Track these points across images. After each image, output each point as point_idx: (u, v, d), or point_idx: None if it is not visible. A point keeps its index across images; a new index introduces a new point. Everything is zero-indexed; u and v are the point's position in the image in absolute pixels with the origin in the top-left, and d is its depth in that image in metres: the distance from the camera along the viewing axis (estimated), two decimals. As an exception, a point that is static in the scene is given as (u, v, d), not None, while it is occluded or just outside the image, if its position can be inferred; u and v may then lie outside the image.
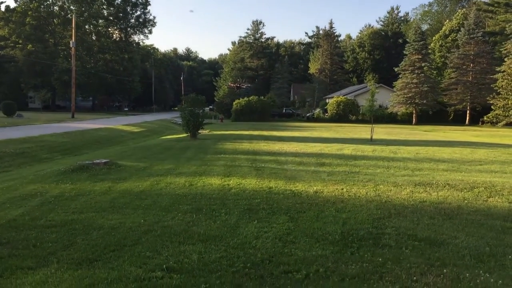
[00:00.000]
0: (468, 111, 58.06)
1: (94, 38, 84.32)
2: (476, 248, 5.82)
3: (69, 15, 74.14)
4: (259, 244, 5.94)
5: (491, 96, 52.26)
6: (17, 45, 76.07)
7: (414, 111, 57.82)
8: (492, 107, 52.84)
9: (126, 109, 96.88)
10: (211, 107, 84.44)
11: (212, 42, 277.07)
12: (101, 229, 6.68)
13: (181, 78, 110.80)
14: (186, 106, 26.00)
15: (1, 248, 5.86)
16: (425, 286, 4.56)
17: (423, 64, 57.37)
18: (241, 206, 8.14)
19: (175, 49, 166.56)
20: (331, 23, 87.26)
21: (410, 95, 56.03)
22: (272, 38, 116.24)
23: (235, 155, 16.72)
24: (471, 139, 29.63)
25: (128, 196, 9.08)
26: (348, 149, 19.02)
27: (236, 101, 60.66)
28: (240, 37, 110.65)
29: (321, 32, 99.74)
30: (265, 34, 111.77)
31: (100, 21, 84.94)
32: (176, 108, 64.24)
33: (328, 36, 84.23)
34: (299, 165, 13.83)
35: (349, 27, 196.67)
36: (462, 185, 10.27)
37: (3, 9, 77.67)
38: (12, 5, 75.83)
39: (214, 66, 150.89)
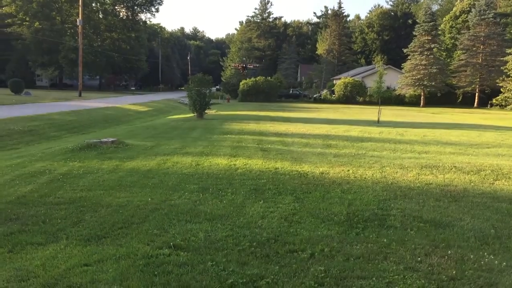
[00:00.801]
0: (477, 94, 57.51)
1: (101, 16, 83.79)
2: (481, 230, 5.85)
3: (75, -7, 73.63)
4: (265, 223, 6.00)
5: (501, 78, 51.59)
6: (24, 23, 75.83)
7: (422, 93, 57.39)
8: (501, 89, 52.21)
9: (133, 88, 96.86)
10: (218, 87, 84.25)
11: (219, 22, 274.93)
12: (109, 206, 6.76)
13: (188, 58, 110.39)
14: (193, 86, 25.98)
15: (11, 223, 5.96)
16: (429, 267, 4.60)
17: (432, 46, 56.69)
18: (248, 186, 8.19)
19: (182, 29, 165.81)
20: (339, 3, 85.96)
21: (418, 76, 55.52)
22: (280, 18, 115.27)
23: (242, 135, 16.75)
24: (479, 122, 29.45)
25: (136, 175, 9.16)
26: (355, 131, 18.99)
27: (243, 81, 60.42)
28: (248, 16, 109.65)
29: (329, 12, 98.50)
30: (272, 14, 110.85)
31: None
32: (183, 88, 64.12)
33: (336, 16, 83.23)
34: (306, 147, 13.85)
35: (358, 7, 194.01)
36: (468, 167, 10.26)
37: (10, -14, 77.41)
38: (19, -18, 74.96)
39: (221, 46, 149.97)
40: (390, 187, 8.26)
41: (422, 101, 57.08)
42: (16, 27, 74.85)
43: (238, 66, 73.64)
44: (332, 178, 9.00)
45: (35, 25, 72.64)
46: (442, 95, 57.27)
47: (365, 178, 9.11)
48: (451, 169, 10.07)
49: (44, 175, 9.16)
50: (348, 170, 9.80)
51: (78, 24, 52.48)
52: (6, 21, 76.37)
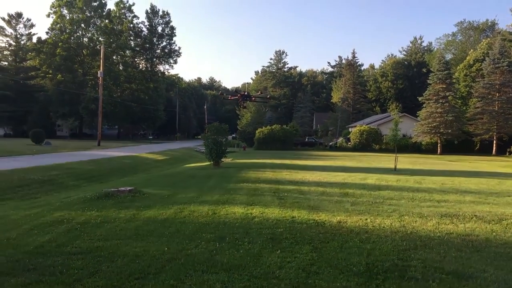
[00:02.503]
0: (494, 141, 56.90)
1: (121, 68, 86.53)
2: (506, 282, 5.67)
3: (97, 46, 76.40)
4: (283, 274, 5.91)
5: (518, 126, 51.21)
6: (47, 75, 78.69)
7: (438, 141, 57.04)
8: (519, 137, 51.72)
9: (151, 137, 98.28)
10: (234, 135, 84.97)
11: (235, 72, 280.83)
12: (125, 256, 6.74)
13: (205, 107, 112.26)
14: (209, 135, 26.28)
15: (29, 274, 5.97)
16: (453, 321, 4.45)
17: (447, 94, 56.80)
18: (264, 235, 8.12)
19: (199, 79, 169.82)
20: (353, 52, 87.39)
21: (434, 124, 55.37)
22: (295, 68, 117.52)
23: (258, 184, 16.73)
24: (498, 170, 28.99)
25: (152, 224, 9.17)
26: (371, 179, 18.84)
27: (259, 129, 60.94)
28: (263, 66, 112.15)
29: (343, 61, 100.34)
30: (287, 64, 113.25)
31: (127, 51, 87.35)
32: (200, 137, 64.86)
33: (350, 66, 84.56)
34: (322, 195, 13.76)
35: (372, 57, 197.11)
36: (490, 216, 10.05)
37: (35, 40, 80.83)
38: (44, 36, 78.36)
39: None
40: (410, 237, 8.11)
41: (439, 149, 56.65)
42: (39, 79, 77.64)
43: (237, 96, 51.60)
44: (350, 227, 8.88)
45: (57, 77, 75.30)
46: (459, 143, 56.82)
47: (384, 227, 8.97)
48: (471, 218, 9.87)
49: (62, 225, 9.21)
50: (366, 219, 9.68)
51: (99, 76, 54.20)
52: (30, 74, 79.37)
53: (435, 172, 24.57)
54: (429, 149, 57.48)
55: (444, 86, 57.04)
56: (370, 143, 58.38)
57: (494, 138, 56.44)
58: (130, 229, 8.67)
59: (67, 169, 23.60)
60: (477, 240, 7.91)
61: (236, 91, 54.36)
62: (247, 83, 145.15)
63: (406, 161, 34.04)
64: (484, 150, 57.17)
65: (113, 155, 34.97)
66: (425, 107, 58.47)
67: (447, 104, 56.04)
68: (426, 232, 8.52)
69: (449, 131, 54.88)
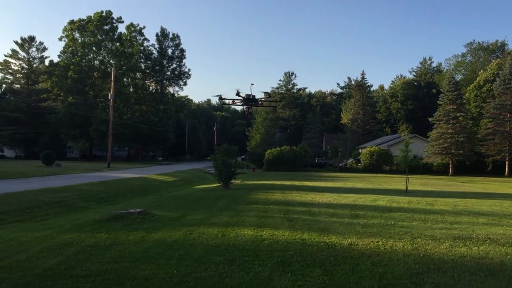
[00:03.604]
0: (506, 162, 56.34)
1: (131, 90, 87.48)
2: (523, 308, 5.52)
3: (108, 69, 77.42)
4: (293, 298, 5.80)
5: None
6: (58, 97, 79.71)
7: (450, 162, 56.62)
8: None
9: (160, 158, 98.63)
10: (243, 156, 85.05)
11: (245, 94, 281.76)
12: (134, 279, 6.68)
13: (214, 128, 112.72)
14: (219, 156, 26.30)
15: (37, 297, 5.92)
16: None
17: (458, 114, 56.61)
18: (275, 258, 8.02)
19: (209, 100, 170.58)
20: (363, 74, 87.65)
21: (445, 145, 55.06)
22: (304, 89, 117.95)
23: (268, 205, 16.63)
24: (511, 191, 28.63)
25: (162, 246, 9.10)
26: (382, 200, 18.66)
27: (268, 150, 60.97)
28: (273, 88, 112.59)
29: (352, 82, 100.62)
30: (297, 85, 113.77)
31: (138, 74, 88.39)
32: (209, 158, 65.00)
33: (360, 87, 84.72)
34: (333, 217, 13.63)
35: (381, 78, 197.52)
36: (504, 239, 9.87)
37: (47, 63, 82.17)
38: (56, 59, 79.66)
39: (246, 116, 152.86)
40: (422, 260, 7.96)
41: (450, 170, 56.19)
42: (50, 101, 78.62)
43: (240, 100, 42.69)
44: (361, 250, 8.75)
45: (68, 100, 76.16)
46: (471, 164, 56.36)
47: (396, 250, 8.83)
48: (485, 241, 9.70)
49: (72, 247, 9.19)
50: (378, 242, 9.54)
51: (109, 98, 54.85)
52: (41, 96, 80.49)
53: (447, 193, 24.32)
54: (441, 170, 57.05)
55: (455, 107, 56.88)
56: (381, 164, 58.09)
57: (507, 159, 55.87)
58: (139, 252, 8.62)
59: (77, 191, 23.68)
60: (491, 264, 7.75)
61: (238, 93, 38.71)
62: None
63: (417, 182, 33.75)
64: (497, 171, 56.59)
65: (122, 177, 35.08)
66: (436, 127, 58.27)
67: (458, 125, 55.80)
68: (439, 255, 8.37)
69: (461, 152, 54.49)
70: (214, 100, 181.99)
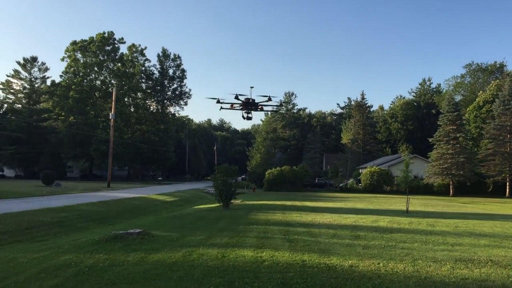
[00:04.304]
0: (507, 183, 56.21)
1: (132, 109, 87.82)
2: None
3: (110, 89, 77.89)
4: (294, 321, 5.74)
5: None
6: (59, 117, 79.94)
7: (451, 182, 56.49)
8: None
9: (160, 178, 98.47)
10: (243, 176, 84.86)
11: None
12: (133, 301, 6.61)
13: (214, 148, 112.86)
14: (219, 176, 26.29)
15: (35, 319, 5.86)
16: None
17: (458, 135, 56.70)
18: (275, 279, 7.96)
19: (209, 120, 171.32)
20: (362, 94, 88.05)
21: (446, 166, 55.02)
22: (304, 109, 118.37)
23: (268, 226, 16.55)
24: (513, 212, 28.50)
25: (161, 268, 9.04)
26: (383, 221, 18.57)
27: (269, 170, 60.91)
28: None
29: (352, 103, 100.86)
30: (297, 105, 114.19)
31: (139, 93, 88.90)
32: (209, 178, 64.91)
33: (360, 107, 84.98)
34: (333, 238, 13.55)
35: (381, 98, 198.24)
36: (506, 261, 9.80)
37: (49, 83, 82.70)
38: (58, 79, 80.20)
39: (247, 136, 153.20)
40: (424, 282, 7.90)
41: (451, 191, 56.03)
42: (51, 121, 78.82)
43: (239, 103, 38.90)
44: (362, 272, 8.68)
45: (69, 119, 76.38)
46: (472, 184, 56.24)
47: (397, 272, 8.76)
48: (487, 263, 9.63)
49: (70, 268, 9.12)
50: (379, 263, 9.47)
51: (110, 117, 55.04)
52: (42, 116, 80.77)
53: (448, 214, 24.21)
54: (441, 191, 56.90)
55: (455, 127, 57.01)
56: (381, 184, 57.98)
57: (507, 180, 55.77)
58: (138, 273, 8.55)
59: (76, 211, 23.60)
60: (493, 286, 7.68)
61: (237, 97, 37.11)
62: (257, 124, 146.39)
63: (418, 203, 33.62)
64: (497, 192, 56.44)
65: (122, 197, 34.98)
66: (436, 148, 58.30)
67: (458, 145, 55.84)
68: (440, 277, 8.30)
69: (461, 172, 54.41)
70: (215, 120, 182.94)
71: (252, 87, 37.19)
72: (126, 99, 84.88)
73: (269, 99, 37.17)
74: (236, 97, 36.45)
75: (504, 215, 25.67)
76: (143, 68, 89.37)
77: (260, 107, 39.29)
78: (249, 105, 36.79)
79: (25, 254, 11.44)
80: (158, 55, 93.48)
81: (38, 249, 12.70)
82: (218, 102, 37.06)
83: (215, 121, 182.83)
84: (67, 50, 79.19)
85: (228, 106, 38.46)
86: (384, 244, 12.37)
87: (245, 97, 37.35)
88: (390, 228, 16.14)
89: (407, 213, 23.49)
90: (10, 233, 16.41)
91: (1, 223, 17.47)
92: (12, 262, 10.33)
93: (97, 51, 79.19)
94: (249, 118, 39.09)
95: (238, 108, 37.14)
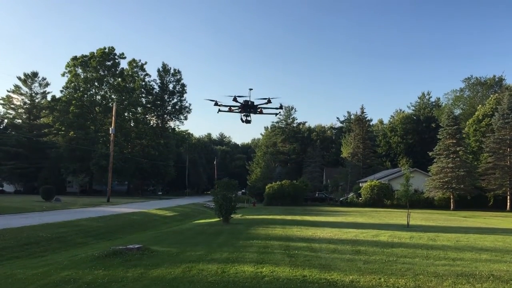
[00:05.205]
0: (508, 197, 56.07)
1: (132, 124, 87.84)
2: None
3: (110, 104, 77.95)
4: (294, 338, 5.68)
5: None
6: (59, 132, 79.97)
7: (451, 196, 56.33)
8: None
9: (160, 192, 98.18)
10: (243, 190, 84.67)
11: (245, 128, 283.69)
12: (132, 318, 6.56)
13: (215, 162, 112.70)
14: (219, 191, 26.23)
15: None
16: None
17: (458, 149, 56.71)
18: (275, 296, 7.90)
19: (209, 134, 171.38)
20: (362, 108, 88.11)
21: (446, 179, 54.92)
22: (304, 123, 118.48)
23: (268, 241, 16.47)
24: (514, 226, 28.37)
25: (160, 284, 8.97)
26: (384, 236, 18.48)
27: (269, 185, 60.78)
28: (273, 122, 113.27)
29: (352, 117, 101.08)
30: (296, 119, 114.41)
31: (139, 108, 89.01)
32: (209, 192, 64.65)
33: (359, 121, 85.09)
34: (334, 252, 13.48)
35: (380, 112, 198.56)
36: (507, 276, 9.74)
37: (49, 98, 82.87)
38: (58, 94, 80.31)
39: (247, 151, 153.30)
40: (425, 298, 7.84)
41: (452, 204, 55.86)
42: (52, 136, 78.84)
43: (238, 106, 36.42)
44: (363, 287, 8.62)
45: (70, 134, 76.40)
46: (473, 198, 56.09)
47: (398, 287, 8.69)
48: (488, 278, 9.56)
49: (69, 285, 9.05)
50: (380, 278, 9.41)
51: (110, 132, 55.04)
52: (43, 131, 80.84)
53: (449, 228, 24.10)
54: (442, 205, 56.71)
55: (454, 141, 57.05)
56: (382, 198, 57.83)
57: (508, 193, 55.64)
58: (137, 289, 8.49)
59: (75, 226, 23.50)
60: (496, 301, 7.61)
61: (235, 99, 35.38)
62: (257, 139, 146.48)
63: (418, 217, 33.50)
64: (498, 205, 56.29)
65: (122, 212, 34.86)
66: (436, 162, 58.26)
67: (458, 159, 55.81)
68: (442, 293, 8.24)
69: (462, 186, 54.30)
70: (215, 134, 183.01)
71: (251, 89, 36.02)
72: (126, 114, 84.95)
73: (269, 101, 35.88)
74: (235, 99, 35.28)
75: (506, 229, 25.56)
76: (143, 83, 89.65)
77: (259, 109, 37.20)
78: (248, 108, 35.29)
79: (24, 270, 11.37)
80: (158, 70, 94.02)
81: (37, 265, 12.62)
82: (216, 104, 36.12)
83: (215, 135, 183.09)
84: (67, 66, 79.48)
85: (226, 109, 36.41)
86: (385, 259, 12.30)
87: (244, 99, 35.92)
88: (391, 243, 16.07)
89: (408, 227, 23.40)
90: (9, 249, 16.31)
91: (0, 239, 17.38)
92: (11, 278, 10.26)
93: (98, 66, 79.49)
94: (248, 122, 36.17)
95: (236, 110, 35.68)
